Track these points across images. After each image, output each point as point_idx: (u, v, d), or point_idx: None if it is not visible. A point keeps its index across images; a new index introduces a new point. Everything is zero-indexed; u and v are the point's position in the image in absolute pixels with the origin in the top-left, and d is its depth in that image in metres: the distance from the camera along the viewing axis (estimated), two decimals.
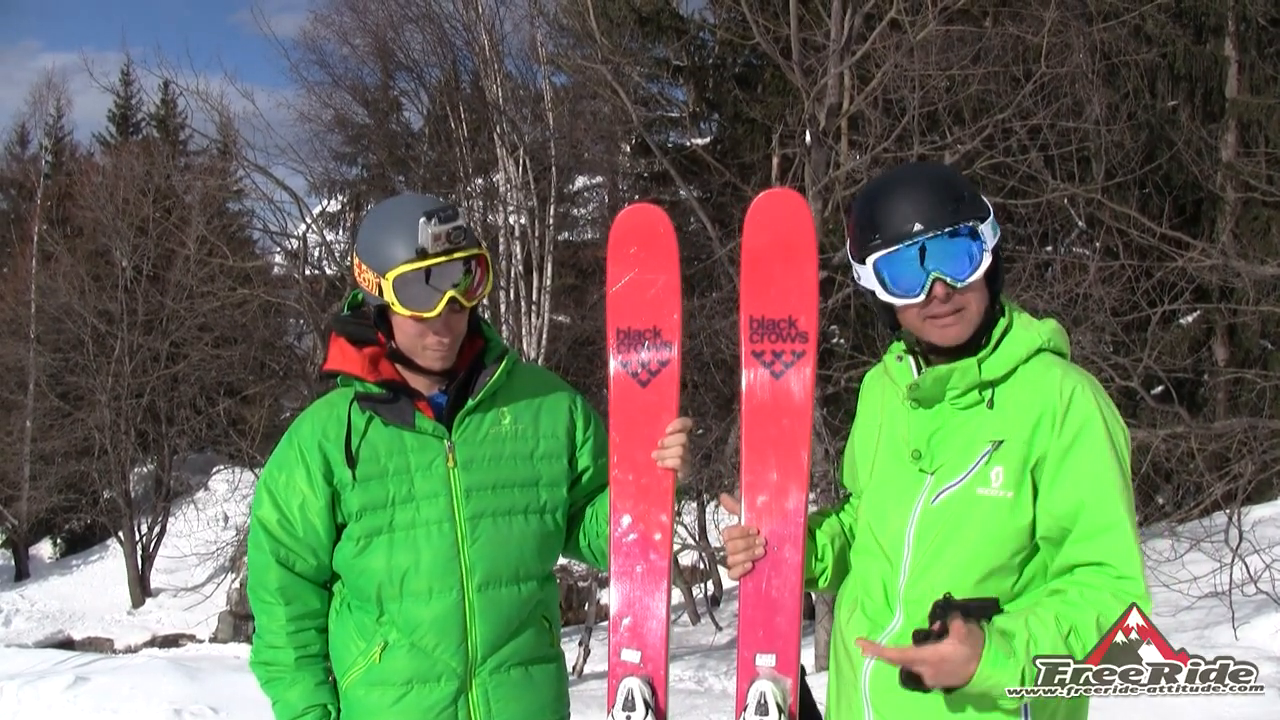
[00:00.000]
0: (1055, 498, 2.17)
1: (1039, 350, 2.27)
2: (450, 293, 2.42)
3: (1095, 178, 10.83)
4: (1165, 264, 9.61)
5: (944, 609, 2.05)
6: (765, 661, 2.40)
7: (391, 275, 2.41)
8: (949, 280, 2.21)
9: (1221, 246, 10.01)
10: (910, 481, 2.29)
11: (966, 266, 2.22)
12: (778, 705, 2.34)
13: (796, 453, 2.45)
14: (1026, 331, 2.29)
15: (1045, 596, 2.16)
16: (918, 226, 2.21)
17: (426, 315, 2.42)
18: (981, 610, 2.08)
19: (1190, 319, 13.65)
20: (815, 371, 2.50)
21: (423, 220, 2.39)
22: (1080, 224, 11.85)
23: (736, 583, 2.46)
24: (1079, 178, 11.11)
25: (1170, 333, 12.06)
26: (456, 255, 2.43)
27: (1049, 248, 11.92)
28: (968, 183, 2.33)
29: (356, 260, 2.51)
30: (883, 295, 2.28)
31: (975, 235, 2.23)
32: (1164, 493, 10.43)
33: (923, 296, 2.23)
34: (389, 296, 2.42)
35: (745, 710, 2.37)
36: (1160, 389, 10.27)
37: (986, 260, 2.23)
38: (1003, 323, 2.30)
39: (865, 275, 2.30)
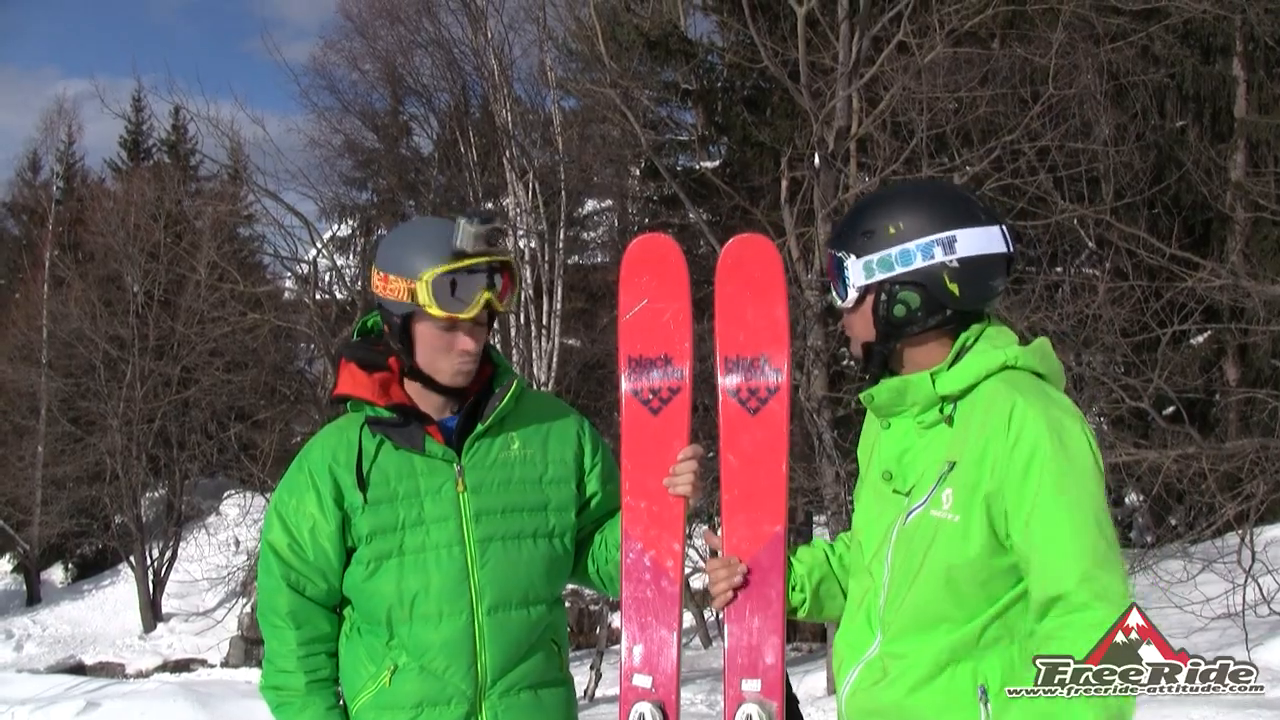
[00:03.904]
0: (1015, 534, 2.08)
1: (1003, 367, 2.18)
2: (486, 294, 2.43)
3: (1104, 198, 10.84)
4: (1175, 284, 9.59)
5: None
6: (751, 686, 2.42)
7: (428, 275, 2.40)
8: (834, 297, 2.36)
9: (1231, 266, 10.04)
10: (888, 503, 2.28)
11: (838, 290, 2.33)
12: None
13: (774, 486, 2.49)
14: (990, 347, 2.21)
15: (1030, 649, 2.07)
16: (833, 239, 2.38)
17: (462, 316, 2.42)
18: None
19: (1201, 339, 13.64)
20: (789, 407, 2.54)
21: (463, 221, 2.41)
22: (1090, 245, 11.85)
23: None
24: (1088, 198, 11.13)
25: (1181, 353, 12.01)
26: (496, 257, 2.45)
27: (1058, 269, 11.92)
28: (892, 214, 2.25)
29: (379, 273, 2.48)
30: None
31: (840, 266, 2.30)
32: (1176, 514, 10.39)
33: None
34: (424, 298, 2.41)
35: None
36: (1171, 409, 10.23)
37: (851, 295, 2.28)
38: (965, 338, 2.24)
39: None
